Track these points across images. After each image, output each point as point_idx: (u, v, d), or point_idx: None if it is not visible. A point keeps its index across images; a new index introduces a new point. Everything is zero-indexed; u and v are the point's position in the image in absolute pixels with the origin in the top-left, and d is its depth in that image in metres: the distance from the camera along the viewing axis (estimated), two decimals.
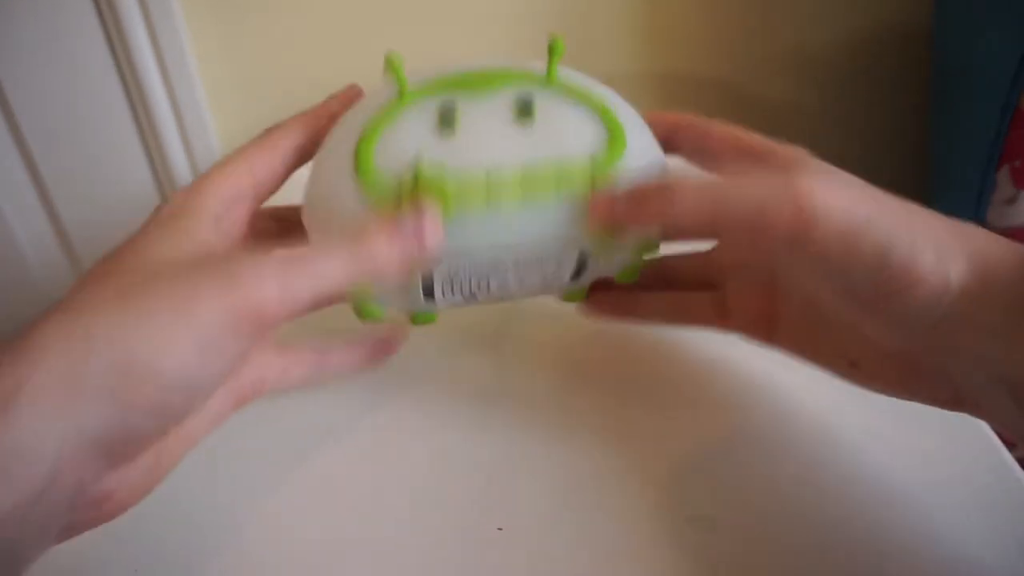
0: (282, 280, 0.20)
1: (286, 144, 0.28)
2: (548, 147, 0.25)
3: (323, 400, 0.32)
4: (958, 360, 0.21)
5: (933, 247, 0.21)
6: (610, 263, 0.28)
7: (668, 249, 0.30)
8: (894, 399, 0.31)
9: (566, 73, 0.28)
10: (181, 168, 0.66)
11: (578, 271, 0.27)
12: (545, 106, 0.26)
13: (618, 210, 0.24)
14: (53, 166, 0.64)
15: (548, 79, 0.27)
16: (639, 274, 0.29)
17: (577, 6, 0.63)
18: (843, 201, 0.22)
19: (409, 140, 0.25)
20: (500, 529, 0.26)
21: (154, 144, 0.64)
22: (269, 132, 0.28)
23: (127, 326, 0.19)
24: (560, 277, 0.28)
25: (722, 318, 0.29)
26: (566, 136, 0.26)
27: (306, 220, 0.27)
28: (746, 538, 0.25)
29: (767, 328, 0.28)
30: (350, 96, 0.30)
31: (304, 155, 0.28)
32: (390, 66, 0.25)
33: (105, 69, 0.61)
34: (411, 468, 0.29)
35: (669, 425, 0.30)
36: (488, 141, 0.25)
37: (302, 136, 0.28)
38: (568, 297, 0.31)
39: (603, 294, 0.31)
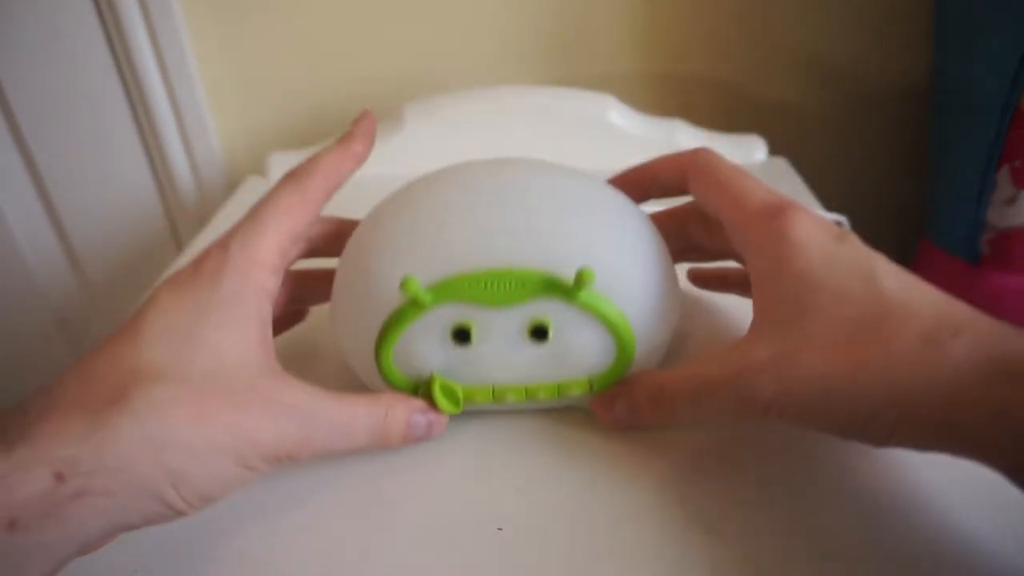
0: (323, 440, 0.25)
1: (319, 194, 0.28)
2: (557, 366, 0.27)
3: None
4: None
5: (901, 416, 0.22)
6: None
7: None
8: None
9: (606, 273, 0.26)
10: (181, 168, 0.66)
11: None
12: (561, 324, 0.26)
13: (618, 418, 0.28)
14: (53, 166, 0.64)
15: (570, 296, 0.26)
16: None
17: (577, 6, 0.63)
18: (816, 372, 0.22)
19: (425, 350, 0.27)
20: (500, 529, 0.26)
21: (154, 144, 0.64)
22: (300, 181, 0.28)
23: (191, 451, 0.22)
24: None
25: None
26: (575, 357, 0.27)
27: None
28: (746, 538, 0.25)
29: None
30: (369, 129, 0.30)
31: (331, 194, 0.29)
32: (406, 291, 0.25)
33: (105, 69, 0.61)
34: (411, 467, 0.29)
35: (669, 425, 0.30)
36: (499, 359, 0.27)
37: (332, 180, 0.29)
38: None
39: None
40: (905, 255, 0.64)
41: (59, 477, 0.19)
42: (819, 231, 0.25)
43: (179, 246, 0.70)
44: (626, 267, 0.27)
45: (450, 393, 0.28)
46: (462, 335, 0.26)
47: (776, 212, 0.25)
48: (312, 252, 0.31)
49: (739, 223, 0.27)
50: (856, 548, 0.24)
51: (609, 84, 0.65)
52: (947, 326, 0.22)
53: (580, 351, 0.27)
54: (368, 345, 0.27)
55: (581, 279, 0.24)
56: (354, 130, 0.29)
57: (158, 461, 0.21)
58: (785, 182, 0.56)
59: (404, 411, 0.27)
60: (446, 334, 0.27)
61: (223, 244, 0.26)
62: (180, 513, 0.22)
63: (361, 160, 0.29)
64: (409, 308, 0.26)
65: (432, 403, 0.28)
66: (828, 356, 0.22)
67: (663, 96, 0.67)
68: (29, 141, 0.63)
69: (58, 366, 0.74)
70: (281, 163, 0.60)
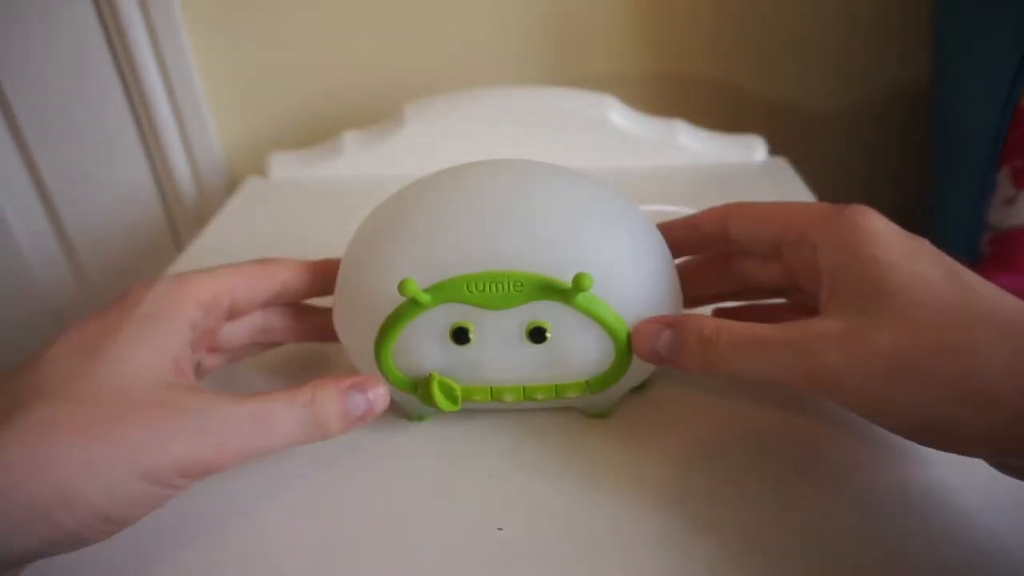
0: (246, 441, 0.23)
1: (277, 276, 0.29)
2: (554, 367, 0.27)
3: None
4: None
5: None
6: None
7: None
8: None
9: (605, 279, 0.26)
10: (181, 168, 0.66)
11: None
12: (559, 326, 0.26)
13: (656, 350, 0.26)
14: (53, 166, 0.64)
15: (568, 299, 0.26)
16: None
17: (577, 6, 0.63)
18: (889, 349, 0.21)
19: (424, 349, 0.27)
20: (500, 529, 0.26)
21: (154, 144, 0.64)
22: (264, 260, 0.29)
23: (83, 469, 0.20)
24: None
25: None
26: (573, 359, 0.27)
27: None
28: (746, 538, 0.25)
29: None
30: (327, 269, 0.30)
31: (290, 296, 0.29)
32: (405, 293, 0.25)
33: (105, 70, 0.61)
34: (411, 467, 0.29)
35: (669, 424, 0.30)
36: (497, 360, 0.27)
37: (296, 278, 0.29)
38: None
39: None
40: None
41: None
42: (890, 226, 0.24)
43: (179, 246, 0.70)
44: (625, 271, 0.27)
45: (449, 392, 0.28)
46: (461, 335, 0.26)
47: (843, 209, 0.25)
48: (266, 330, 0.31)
49: (803, 228, 0.26)
50: (857, 547, 0.24)
51: (609, 84, 0.65)
52: None
53: (578, 353, 0.27)
54: (369, 344, 0.27)
55: (579, 283, 0.24)
56: (327, 262, 0.30)
57: (45, 480, 0.20)
58: (785, 182, 0.56)
59: (334, 393, 0.25)
60: (445, 334, 0.27)
61: (151, 280, 0.26)
62: (79, 537, 0.21)
63: (326, 287, 0.30)
64: (408, 308, 0.26)
65: (430, 401, 0.28)
66: (905, 335, 0.21)
67: (663, 96, 0.67)
68: (29, 141, 0.63)
69: None
70: (281, 163, 0.60)
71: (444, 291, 0.26)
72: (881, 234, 0.24)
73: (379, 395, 0.26)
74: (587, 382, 0.28)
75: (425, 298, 0.25)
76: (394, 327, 0.26)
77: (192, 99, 0.63)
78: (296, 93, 0.67)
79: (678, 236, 0.30)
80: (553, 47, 0.65)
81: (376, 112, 0.65)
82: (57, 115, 0.62)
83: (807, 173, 0.57)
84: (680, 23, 0.64)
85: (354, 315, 0.28)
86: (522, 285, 0.25)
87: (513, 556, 0.25)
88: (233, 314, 0.29)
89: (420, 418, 0.31)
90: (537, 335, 0.26)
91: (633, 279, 0.27)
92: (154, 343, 0.23)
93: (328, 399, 0.25)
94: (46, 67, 0.60)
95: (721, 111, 0.67)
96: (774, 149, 0.61)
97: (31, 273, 0.69)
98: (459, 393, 0.28)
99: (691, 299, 0.31)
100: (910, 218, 0.74)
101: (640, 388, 0.31)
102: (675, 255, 0.30)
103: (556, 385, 0.28)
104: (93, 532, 0.21)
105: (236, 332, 0.30)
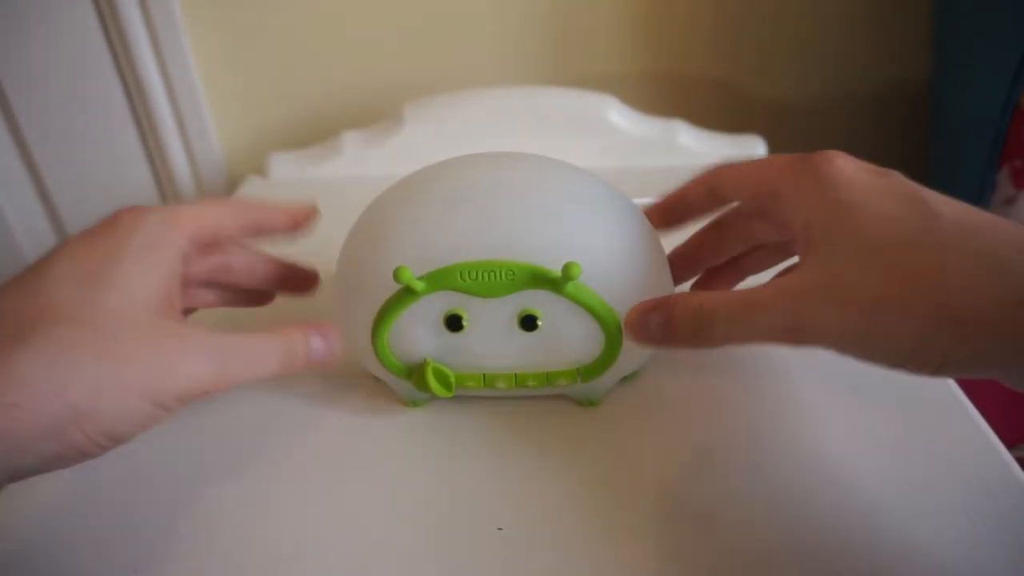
0: (234, 371, 0.24)
1: (255, 215, 0.30)
2: (546, 354, 0.28)
3: (324, 401, 0.32)
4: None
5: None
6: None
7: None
8: (895, 400, 0.31)
9: (592, 271, 0.26)
10: (181, 168, 0.66)
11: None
12: (550, 314, 0.27)
13: (650, 333, 0.26)
14: (53, 167, 0.64)
15: (559, 288, 0.26)
16: None
17: (577, 6, 0.63)
18: (864, 294, 0.21)
19: (418, 336, 0.28)
20: (500, 529, 0.26)
21: (154, 145, 0.64)
22: (242, 200, 0.31)
23: (97, 387, 0.21)
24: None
25: None
26: (564, 347, 0.28)
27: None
28: (746, 538, 0.25)
29: None
30: (310, 213, 0.31)
31: (263, 236, 0.30)
32: (400, 280, 0.26)
33: (106, 70, 0.61)
34: (411, 467, 0.29)
35: (670, 425, 0.30)
36: (490, 347, 0.28)
37: (264, 217, 0.30)
38: None
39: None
40: None
41: None
42: (857, 165, 0.24)
43: None
44: (614, 260, 0.27)
45: (442, 377, 0.28)
46: (454, 322, 0.27)
47: (808, 158, 0.25)
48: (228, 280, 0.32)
49: (773, 182, 0.26)
50: (856, 547, 0.24)
51: (609, 84, 0.65)
52: (1009, 243, 0.20)
53: (569, 341, 0.28)
54: (365, 331, 0.28)
55: (567, 272, 0.25)
56: (297, 205, 0.31)
57: (61, 398, 0.20)
58: None
59: (301, 337, 0.27)
60: (439, 321, 0.27)
61: (142, 207, 0.26)
62: (85, 454, 0.22)
63: (295, 224, 0.31)
64: (403, 296, 0.27)
65: (424, 386, 0.29)
66: (879, 279, 0.21)
67: (663, 96, 0.67)
68: (29, 142, 0.63)
69: None
70: (281, 163, 0.60)
71: (438, 279, 0.26)
72: (847, 177, 0.24)
73: (333, 337, 0.28)
74: (578, 370, 0.29)
75: (419, 285, 0.26)
76: (389, 314, 0.27)
77: (192, 99, 0.63)
78: (296, 93, 0.67)
79: (671, 209, 0.30)
80: (553, 47, 0.65)
81: (376, 112, 0.65)
82: (57, 115, 0.62)
83: None
84: (680, 23, 0.64)
85: (351, 302, 0.29)
86: (514, 274, 0.26)
87: (513, 556, 0.25)
88: (209, 249, 0.30)
89: (415, 404, 0.31)
90: (528, 323, 0.27)
91: (622, 268, 0.27)
92: (153, 274, 0.25)
93: (297, 340, 0.27)
94: (46, 67, 0.60)
95: (721, 111, 0.67)
96: (774, 149, 0.60)
97: None
98: (452, 379, 0.29)
99: (706, 271, 0.32)
100: None
101: (631, 377, 0.32)
102: (672, 227, 0.30)
103: (548, 372, 0.29)
104: (97, 448, 0.22)
105: (196, 267, 0.30)
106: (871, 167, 0.24)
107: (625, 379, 0.31)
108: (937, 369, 0.21)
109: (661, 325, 0.26)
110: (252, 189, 0.59)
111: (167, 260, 0.25)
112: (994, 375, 0.21)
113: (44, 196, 0.66)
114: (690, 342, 0.25)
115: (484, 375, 0.29)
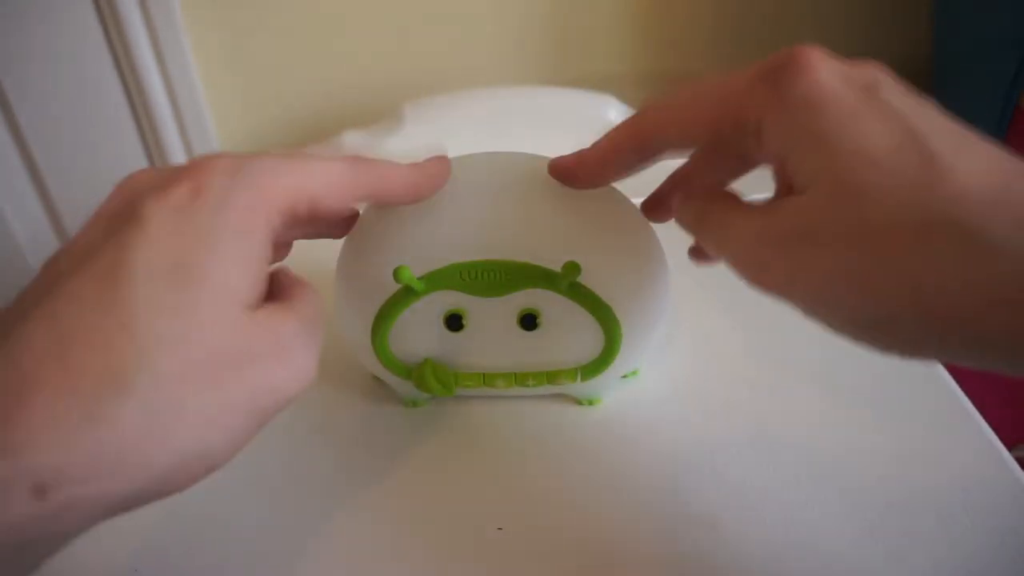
0: (315, 349, 0.21)
1: (368, 184, 0.23)
2: (546, 354, 0.28)
3: (324, 401, 0.32)
4: None
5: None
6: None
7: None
8: (895, 400, 0.31)
9: (592, 269, 0.26)
10: None
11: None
12: (550, 316, 0.27)
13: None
14: (53, 167, 0.64)
15: (558, 287, 0.26)
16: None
17: (577, 6, 0.63)
18: (801, 260, 0.19)
19: (419, 336, 0.28)
20: (500, 529, 0.26)
21: (154, 145, 0.64)
22: (356, 159, 0.23)
23: (207, 419, 0.18)
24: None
25: None
26: (564, 346, 0.28)
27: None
28: (746, 538, 0.25)
29: None
30: (439, 180, 0.26)
31: (375, 200, 0.25)
32: (400, 280, 0.25)
33: (105, 70, 0.61)
34: (411, 467, 0.29)
35: (669, 425, 0.30)
36: (490, 346, 0.28)
37: (383, 188, 0.24)
38: None
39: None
40: None
41: (39, 492, 0.16)
42: (841, 76, 0.20)
43: None
44: (614, 259, 0.27)
45: (442, 377, 0.29)
46: (454, 322, 0.27)
47: (775, 70, 0.20)
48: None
49: (737, 114, 0.21)
50: (856, 547, 0.24)
51: (609, 84, 0.65)
52: (1017, 214, 0.17)
53: (568, 341, 0.28)
54: (366, 331, 0.28)
55: (567, 271, 0.25)
56: (426, 168, 0.26)
57: (167, 448, 0.17)
58: None
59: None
60: (439, 321, 0.28)
61: (231, 165, 0.21)
62: (181, 490, 0.19)
63: (418, 196, 0.25)
64: (403, 296, 0.27)
65: (425, 386, 0.29)
66: (848, 241, 0.18)
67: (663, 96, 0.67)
68: (29, 142, 0.63)
69: None
70: None
71: (438, 279, 0.26)
72: (826, 98, 0.19)
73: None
74: (578, 368, 0.29)
75: (419, 285, 0.26)
76: (390, 314, 0.27)
77: (192, 99, 0.63)
78: (296, 93, 0.67)
79: (586, 173, 0.26)
80: (553, 47, 0.65)
81: (376, 112, 0.65)
82: (57, 115, 0.62)
83: None
84: (680, 23, 0.64)
85: (351, 302, 0.29)
86: (513, 273, 0.26)
87: (513, 556, 0.25)
88: (310, 220, 0.23)
89: (415, 403, 0.32)
90: (528, 322, 0.27)
91: (621, 267, 0.27)
92: (247, 265, 0.20)
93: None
94: (46, 67, 0.60)
95: None
96: None
97: (31, 273, 0.68)
98: (453, 379, 0.29)
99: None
100: None
101: (631, 376, 0.32)
102: (585, 187, 0.27)
103: (547, 372, 0.29)
104: (195, 480, 0.19)
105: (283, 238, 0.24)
106: (857, 76, 0.20)
107: (625, 377, 0.31)
108: (904, 353, 0.19)
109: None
110: None
111: (259, 246, 0.20)
112: (967, 364, 0.19)
113: (44, 196, 0.66)
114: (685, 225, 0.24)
115: (484, 375, 0.29)
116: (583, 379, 0.29)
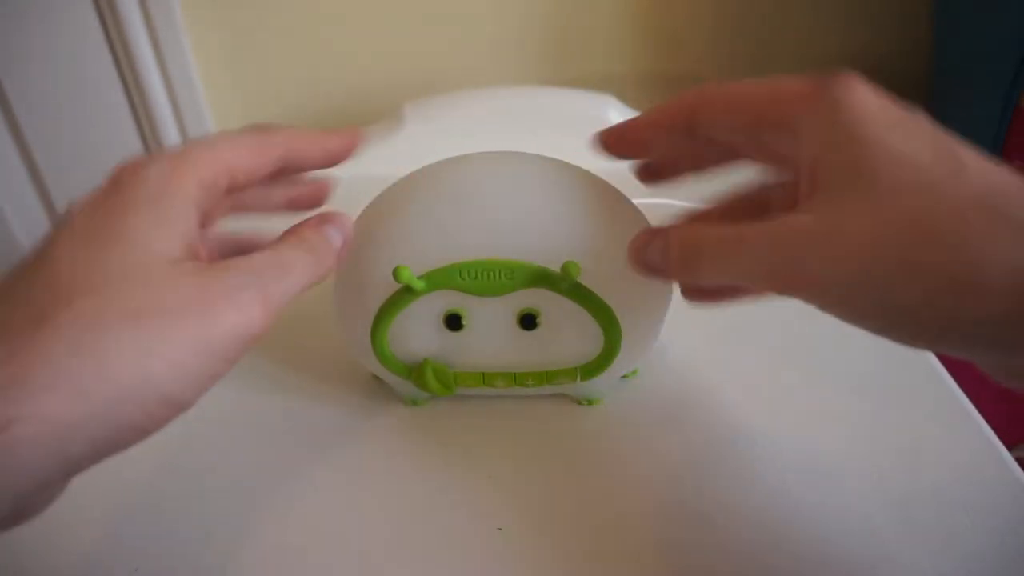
0: (266, 300, 0.21)
1: (277, 150, 0.26)
2: (545, 354, 0.28)
3: (324, 401, 0.32)
4: None
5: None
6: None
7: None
8: (895, 399, 0.31)
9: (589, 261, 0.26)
10: None
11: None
12: (550, 316, 0.27)
13: (649, 264, 0.24)
14: (53, 167, 0.64)
15: (558, 287, 0.26)
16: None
17: (577, 6, 0.63)
18: (865, 241, 0.19)
19: (418, 335, 0.28)
20: (500, 529, 0.26)
21: (154, 145, 0.64)
22: (263, 130, 0.26)
23: (141, 351, 0.19)
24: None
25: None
26: (564, 346, 0.28)
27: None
28: (746, 538, 0.25)
29: None
30: (351, 141, 0.27)
31: (293, 169, 0.27)
32: (399, 279, 0.25)
33: (105, 70, 0.61)
34: (411, 467, 0.29)
35: (669, 425, 0.30)
36: (490, 346, 0.28)
37: (300, 150, 0.26)
38: None
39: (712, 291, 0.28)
40: None
41: None
42: (880, 99, 0.22)
43: None
44: (614, 260, 0.27)
45: (442, 376, 0.29)
46: (454, 322, 0.27)
47: (826, 83, 0.22)
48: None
49: (782, 111, 0.23)
50: (856, 548, 0.24)
51: (609, 84, 0.65)
52: None
53: (568, 340, 0.28)
54: (365, 331, 0.28)
55: (567, 272, 0.25)
56: (337, 131, 0.27)
57: (100, 374, 0.18)
58: None
59: (314, 230, 0.25)
60: (439, 320, 0.28)
61: (145, 159, 0.23)
62: (143, 430, 0.20)
63: (331, 158, 0.27)
64: (402, 295, 0.27)
65: (424, 385, 0.29)
66: (885, 224, 0.19)
67: (663, 96, 0.67)
68: (29, 141, 0.63)
69: None
70: None
71: (437, 278, 0.26)
72: (867, 109, 0.21)
73: (343, 222, 0.25)
74: (578, 368, 0.29)
75: (419, 284, 0.26)
76: (389, 313, 0.27)
77: (192, 99, 0.63)
78: (296, 93, 0.67)
79: (635, 139, 0.27)
80: (553, 47, 0.65)
81: (376, 112, 0.65)
82: (57, 115, 0.62)
83: None
84: (680, 23, 0.64)
85: (351, 302, 0.29)
86: (513, 273, 0.26)
87: (513, 556, 0.25)
88: (232, 190, 0.25)
89: (415, 402, 0.32)
90: (528, 322, 0.27)
91: (622, 267, 0.27)
92: (165, 225, 0.22)
93: (315, 236, 0.25)
94: (46, 67, 0.60)
95: None
96: None
97: None
98: (452, 378, 0.29)
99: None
100: None
101: (631, 376, 0.32)
102: (626, 157, 0.27)
103: (547, 372, 0.29)
104: (154, 421, 0.20)
105: (215, 212, 0.26)
106: (895, 103, 0.22)
107: (625, 378, 0.31)
108: (932, 339, 0.19)
109: (660, 258, 0.24)
110: None
111: (177, 209, 0.22)
112: (982, 357, 0.19)
113: (44, 196, 0.66)
114: (680, 274, 0.24)
115: (483, 374, 0.29)
116: (583, 379, 0.29)
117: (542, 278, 0.26)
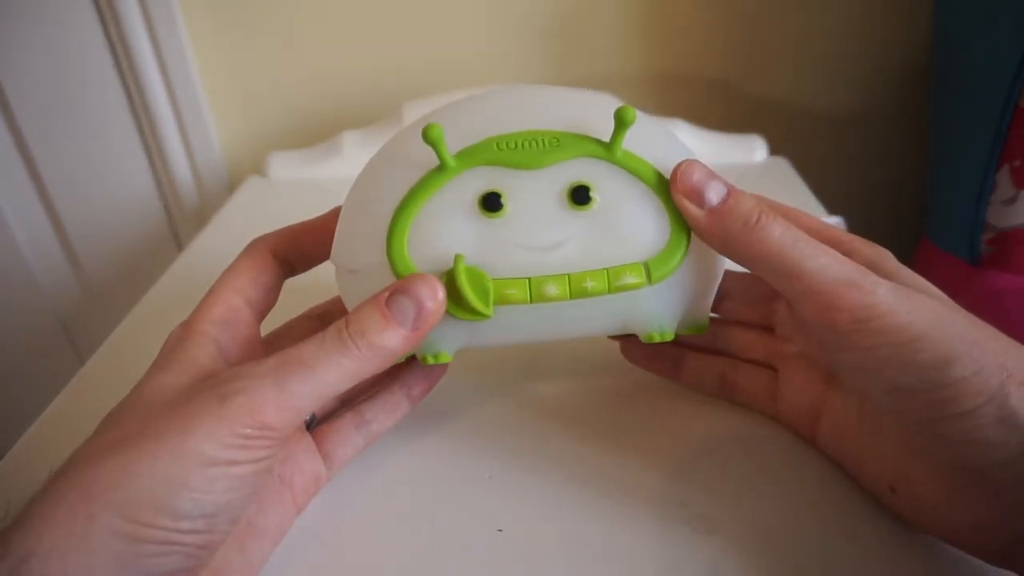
0: (278, 385, 0.20)
1: (269, 260, 0.26)
2: (604, 241, 0.23)
3: None
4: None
5: (1003, 377, 0.19)
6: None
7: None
8: None
9: (636, 131, 0.23)
10: (181, 168, 0.66)
11: (620, 336, 0.27)
12: (604, 188, 0.23)
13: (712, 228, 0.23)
14: (53, 167, 0.64)
15: (610, 152, 0.23)
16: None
17: (578, 6, 0.63)
18: (914, 302, 0.21)
19: (448, 224, 0.23)
20: (500, 530, 0.26)
21: (154, 145, 0.64)
22: (252, 247, 0.27)
23: (127, 471, 0.19)
24: (601, 336, 0.27)
25: (771, 401, 0.29)
26: (625, 232, 0.23)
27: (340, 288, 0.26)
28: (746, 538, 0.25)
29: (811, 425, 0.27)
30: (331, 220, 0.27)
31: (290, 267, 0.27)
32: (429, 140, 0.22)
33: (106, 71, 0.61)
34: (412, 468, 0.29)
35: (669, 425, 0.30)
36: (537, 230, 0.23)
37: (284, 249, 0.27)
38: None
39: (653, 353, 0.30)
40: (905, 255, 0.64)
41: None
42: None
43: (179, 246, 0.70)
44: (660, 140, 0.24)
45: (478, 283, 0.23)
46: (492, 201, 0.23)
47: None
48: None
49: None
50: (857, 547, 0.24)
51: (609, 84, 0.65)
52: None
53: (629, 224, 0.23)
54: (378, 236, 0.23)
55: (621, 118, 0.22)
56: (321, 217, 0.27)
57: (116, 515, 0.18)
58: (785, 182, 0.56)
59: (370, 307, 0.22)
60: (473, 206, 0.23)
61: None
62: (179, 547, 0.19)
63: (316, 233, 0.27)
64: (430, 178, 0.23)
65: (456, 297, 0.22)
66: (930, 302, 0.21)
67: (663, 96, 0.67)
68: (29, 142, 0.63)
69: (58, 365, 0.74)
70: (281, 163, 0.60)
71: (472, 154, 0.23)
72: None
73: (429, 286, 0.22)
74: (645, 265, 0.23)
75: (450, 155, 0.22)
76: (415, 200, 0.23)
77: (192, 99, 0.63)
78: (296, 93, 0.67)
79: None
80: (553, 47, 0.65)
81: (375, 112, 0.65)
82: (57, 115, 0.62)
83: (807, 173, 0.57)
84: (680, 23, 0.64)
85: (365, 203, 0.24)
86: (558, 140, 0.23)
87: (513, 556, 0.25)
88: (259, 311, 0.26)
89: (435, 357, 0.25)
90: (580, 195, 0.23)
91: (673, 143, 0.25)
92: (178, 366, 0.22)
93: (365, 317, 0.21)
94: (46, 67, 0.60)
95: (721, 111, 0.67)
96: (774, 149, 0.61)
97: (31, 273, 0.69)
98: (490, 285, 0.23)
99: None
100: (910, 218, 0.74)
101: (699, 328, 0.27)
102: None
103: (608, 270, 0.23)
104: (198, 533, 0.19)
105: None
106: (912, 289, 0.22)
107: (688, 333, 0.27)
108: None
109: (720, 195, 0.23)
110: (252, 189, 0.59)
111: (188, 350, 0.23)
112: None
113: (44, 196, 0.66)
114: (737, 233, 0.22)
115: (530, 280, 0.23)
116: (652, 278, 0.23)
117: (592, 142, 0.23)
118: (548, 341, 0.25)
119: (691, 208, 0.23)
